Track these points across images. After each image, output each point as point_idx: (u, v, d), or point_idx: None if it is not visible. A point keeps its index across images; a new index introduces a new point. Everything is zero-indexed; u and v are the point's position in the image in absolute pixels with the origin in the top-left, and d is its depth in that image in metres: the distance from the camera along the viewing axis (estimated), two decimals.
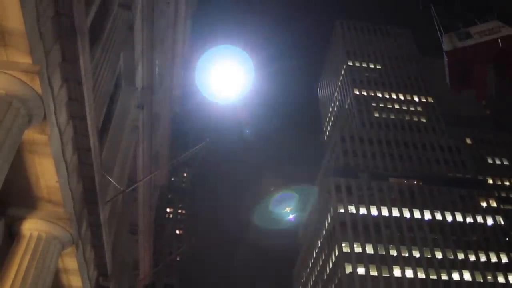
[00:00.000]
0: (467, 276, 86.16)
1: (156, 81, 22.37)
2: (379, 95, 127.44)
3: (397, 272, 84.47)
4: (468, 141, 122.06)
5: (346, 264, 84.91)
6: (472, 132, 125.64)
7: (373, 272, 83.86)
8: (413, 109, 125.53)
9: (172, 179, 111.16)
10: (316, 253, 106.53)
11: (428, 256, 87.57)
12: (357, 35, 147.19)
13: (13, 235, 11.15)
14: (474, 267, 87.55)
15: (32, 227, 11.10)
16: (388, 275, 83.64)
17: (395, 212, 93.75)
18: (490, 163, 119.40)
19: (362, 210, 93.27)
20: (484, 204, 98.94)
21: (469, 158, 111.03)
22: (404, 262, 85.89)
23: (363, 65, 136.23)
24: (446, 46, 17.67)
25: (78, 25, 9.28)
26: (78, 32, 9.31)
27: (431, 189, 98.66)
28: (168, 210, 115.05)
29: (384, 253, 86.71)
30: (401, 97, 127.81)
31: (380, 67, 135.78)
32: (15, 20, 7.60)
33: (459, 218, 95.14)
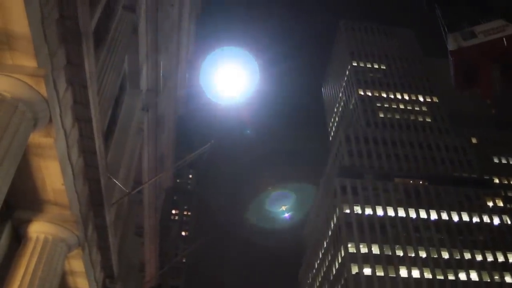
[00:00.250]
0: (474, 276, 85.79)
1: (161, 83, 22.40)
2: (384, 95, 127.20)
3: (403, 273, 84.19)
4: (474, 140, 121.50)
5: (352, 264, 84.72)
6: (477, 131, 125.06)
7: (380, 273, 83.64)
8: (418, 109, 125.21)
9: (178, 180, 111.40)
10: (322, 254, 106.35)
11: (435, 256, 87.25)
12: (361, 35, 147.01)
13: (20, 238, 11.19)
14: (481, 267, 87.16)
15: (38, 230, 11.14)
16: (395, 276, 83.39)
17: (401, 212, 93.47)
18: (496, 162, 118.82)
19: (368, 211, 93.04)
20: (490, 204, 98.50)
21: (475, 158, 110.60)
22: (410, 263, 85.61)
23: (368, 66, 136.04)
24: (450, 45, 17.62)
25: (83, 28, 9.31)
26: (83, 35, 9.34)
27: (437, 189, 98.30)
28: (173, 211, 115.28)
29: (390, 254, 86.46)
30: (406, 97, 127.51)
31: (384, 67, 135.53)
32: (20, 24, 7.63)
33: (465, 218, 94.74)
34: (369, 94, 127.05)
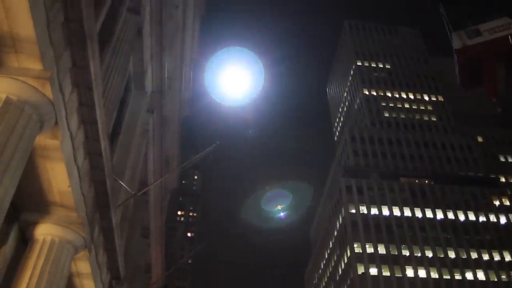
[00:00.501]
0: (480, 275, 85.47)
1: (166, 84, 22.45)
2: (389, 94, 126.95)
3: (410, 272, 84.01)
4: (480, 139, 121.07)
5: (358, 264, 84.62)
6: (483, 130, 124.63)
7: (386, 273, 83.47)
8: (423, 108, 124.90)
9: (183, 182, 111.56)
10: (327, 254, 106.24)
11: (441, 256, 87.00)
12: (366, 35, 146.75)
13: (26, 240, 11.22)
14: (487, 266, 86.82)
15: (45, 232, 11.16)
16: (401, 275, 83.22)
17: (407, 212, 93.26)
18: (502, 161, 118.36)
19: (374, 211, 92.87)
20: (497, 203, 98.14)
21: (481, 157, 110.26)
22: (416, 262, 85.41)
23: (372, 65, 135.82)
24: (455, 44, 17.54)
25: (88, 31, 9.34)
26: (88, 38, 9.37)
27: (442, 188, 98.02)
28: (179, 213, 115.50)
29: (396, 253, 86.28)
30: (411, 96, 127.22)
31: (389, 67, 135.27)
32: (26, 27, 7.66)
33: (471, 217, 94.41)
34: (374, 93, 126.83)
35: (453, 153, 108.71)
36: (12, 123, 8.03)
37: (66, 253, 11.41)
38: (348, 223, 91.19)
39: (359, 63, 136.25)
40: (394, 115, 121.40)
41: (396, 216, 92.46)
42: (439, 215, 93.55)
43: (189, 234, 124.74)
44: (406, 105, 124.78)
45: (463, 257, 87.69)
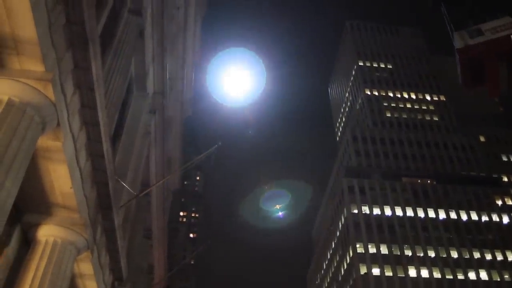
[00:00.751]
0: (483, 275, 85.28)
1: (167, 85, 22.46)
2: (391, 94, 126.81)
3: (412, 272, 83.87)
4: (482, 139, 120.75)
5: (360, 264, 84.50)
6: (485, 129, 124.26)
7: (388, 273, 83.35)
8: (425, 107, 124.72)
9: (185, 182, 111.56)
10: (330, 255, 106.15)
11: (444, 256, 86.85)
12: (367, 35, 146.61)
13: (29, 241, 11.24)
14: (490, 266, 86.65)
15: (47, 233, 11.19)
16: (404, 275, 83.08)
17: (409, 212, 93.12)
18: (504, 160, 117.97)
19: (376, 211, 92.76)
20: (499, 202, 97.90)
21: (483, 156, 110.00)
22: (419, 262, 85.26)
23: (374, 65, 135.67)
24: (457, 43, 17.50)
25: (90, 32, 9.35)
26: (90, 39, 9.39)
27: (445, 188, 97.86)
28: (181, 214, 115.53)
29: (399, 253, 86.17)
30: (413, 96, 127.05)
31: (391, 67, 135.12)
32: (27, 29, 7.68)
33: (474, 216, 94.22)
34: (376, 93, 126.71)
35: (455, 153, 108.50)
36: (14, 125, 8.05)
37: (68, 254, 11.43)
38: (350, 223, 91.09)
39: (360, 63, 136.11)
40: (396, 115, 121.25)
41: (399, 216, 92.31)
42: (442, 215, 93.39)
43: (191, 235, 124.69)
44: (408, 105, 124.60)
45: (466, 257, 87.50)
